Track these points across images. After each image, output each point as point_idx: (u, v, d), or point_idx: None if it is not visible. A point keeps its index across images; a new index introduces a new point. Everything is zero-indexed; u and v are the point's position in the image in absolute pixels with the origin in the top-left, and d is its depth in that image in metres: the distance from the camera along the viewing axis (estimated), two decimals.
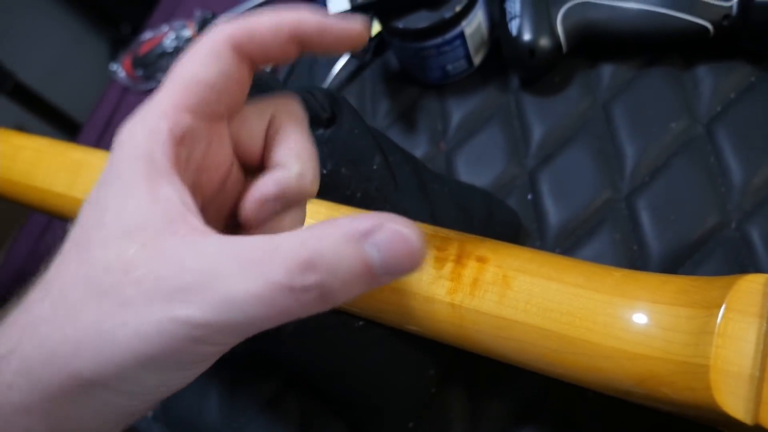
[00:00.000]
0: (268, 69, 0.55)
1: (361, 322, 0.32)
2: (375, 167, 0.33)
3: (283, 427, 0.40)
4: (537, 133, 0.43)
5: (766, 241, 0.35)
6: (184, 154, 0.20)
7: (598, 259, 0.38)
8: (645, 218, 0.38)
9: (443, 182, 0.36)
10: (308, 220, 0.31)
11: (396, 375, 0.33)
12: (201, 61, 0.20)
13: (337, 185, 0.33)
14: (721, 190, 0.37)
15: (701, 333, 0.24)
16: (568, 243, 0.39)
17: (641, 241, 0.38)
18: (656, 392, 0.25)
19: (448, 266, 0.29)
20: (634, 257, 0.38)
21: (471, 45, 0.44)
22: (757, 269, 0.35)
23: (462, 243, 0.30)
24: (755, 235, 0.36)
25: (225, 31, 0.20)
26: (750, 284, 0.24)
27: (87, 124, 0.62)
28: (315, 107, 0.34)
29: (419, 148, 0.46)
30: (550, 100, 0.44)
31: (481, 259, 0.29)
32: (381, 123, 0.48)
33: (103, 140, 0.59)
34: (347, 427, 0.39)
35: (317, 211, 0.32)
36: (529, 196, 0.41)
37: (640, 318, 0.26)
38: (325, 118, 0.34)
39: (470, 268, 0.29)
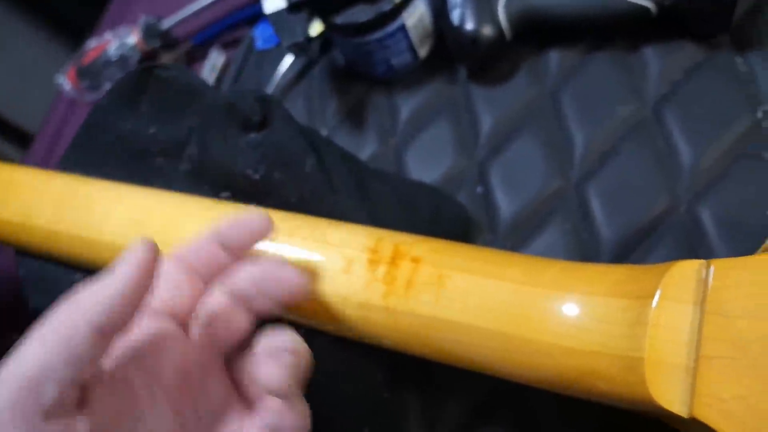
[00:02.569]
0: (216, 72, 0.54)
1: (302, 331, 0.31)
2: (308, 170, 0.32)
3: None
4: (486, 124, 0.42)
5: (717, 223, 0.35)
6: None
7: (550, 250, 0.37)
8: (595, 206, 0.37)
9: (385, 180, 0.35)
10: None
11: (342, 383, 0.32)
12: None
13: (271, 191, 0.32)
14: (670, 172, 0.37)
15: (636, 324, 0.23)
16: (519, 235, 0.39)
17: (592, 230, 0.37)
18: (595, 388, 0.24)
19: (382, 269, 0.28)
20: (585, 247, 0.37)
21: (414, 37, 0.43)
22: (708, 252, 0.34)
23: (396, 244, 0.29)
24: (706, 217, 0.35)
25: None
26: (682, 270, 0.23)
27: (37, 137, 0.61)
28: (245, 110, 0.33)
29: (369, 146, 0.45)
30: (498, 89, 0.43)
31: (416, 260, 0.28)
32: (330, 122, 0.47)
33: (52, 154, 0.58)
34: None
35: None
36: (479, 189, 0.41)
37: (575, 311, 0.25)
38: (257, 122, 0.33)
39: (404, 269, 0.28)
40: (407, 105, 0.45)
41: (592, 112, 0.40)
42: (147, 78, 0.36)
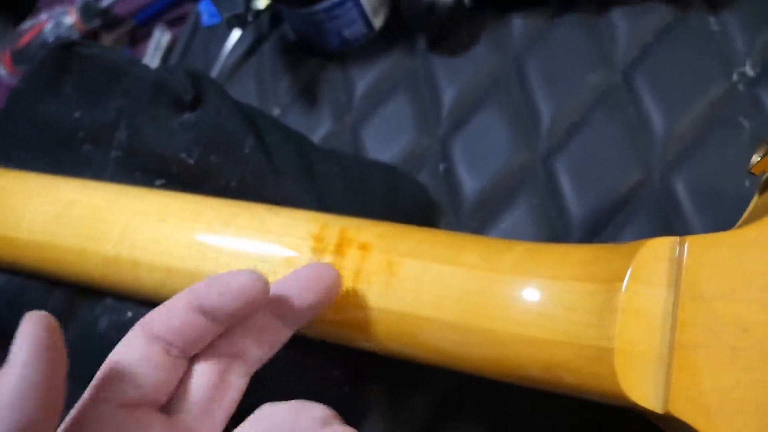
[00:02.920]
0: (161, 51, 0.50)
1: None
2: (247, 151, 0.29)
3: None
4: (447, 96, 0.40)
5: (692, 193, 0.32)
6: None
7: (517, 228, 0.35)
8: (564, 181, 0.35)
9: (335, 160, 0.32)
10: (173, 220, 0.27)
11: (295, 382, 0.29)
12: None
13: (208, 175, 0.29)
14: (642, 142, 0.34)
15: (604, 311, 0.21)
16: (484, 214, 0.36)
17: (561, 206, 0.35)
18: (562, 381, 0.22)
19: (327, 258, 0.25)
20: (554, 224, 0.34)
21: (367, 6, 0.40)
22: (684, 225, 0.32)
23: (343, 229, 0.26)
24: (680, 188, 0.33)
25: None
26: (654, 250, 0.21)
27: None
28: (176, 88, 0.29)
29: (324, 125, 0.42)
30: (459, 59, 0.40)
31: (364, 246, 0.25)
32: (282, 100, 0.44)
33: None
34: None
35: (182, 207, 0.28)
36: (442, 167, 0.38)
37: (537, 297, 0.22)
38: (189, 101, 0.29)
39: (351, 258, 0.25)
40: (363, 79, 0.42)
41: (559, 80, 0.37)
42: (68, 57, 0.32)
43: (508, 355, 0.23)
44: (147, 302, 0.29)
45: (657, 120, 0.34)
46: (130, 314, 0.29)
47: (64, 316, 0.30)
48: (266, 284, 0.21)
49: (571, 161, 0.35)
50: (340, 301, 0.25)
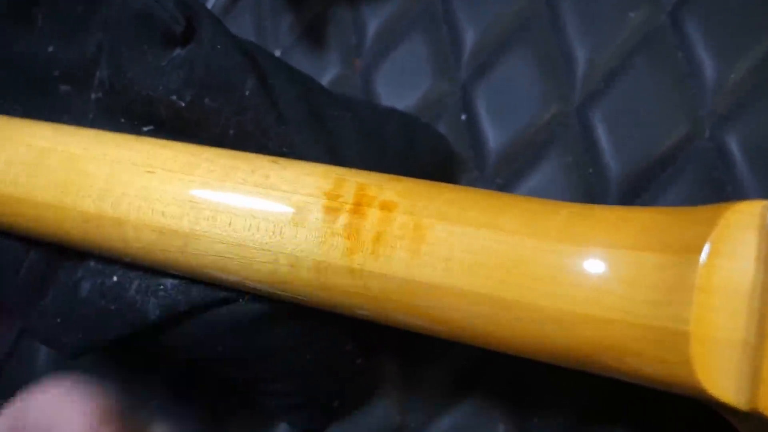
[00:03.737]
0: None
1: (247, 297, 0.25)
2: (247, 93, 0.25)
3: (188, 419, 0.34)
4: (469, 38, 0.35)
5: (747, 151, 0.29)
6: None
7: (548, 187, 0.32)
8: (601, 134, 0.31)
9: (346, 107, 0.28)
10: (163, 172, 0.24)
11: (302, 356, 0.26)
12: None
13: (202, 121, 0.26)
14: (691, 92, 0.30)
15: (676, 288, 0.18)
16: (510, 171, 0.32)
17: (597, 163, 0.31)
18: (620, 364, 0.19)
19: (344, 218, 0.22)
20: (590, 183, 0.31)
21: None
22: (737, 187, 0.29)
23: (361, 185, 0.22)
24: (733, 145, 0.29)
25: None
26: (739, 216, 0.17)
27: None
28: (164, 20, 0.25)
29: (330, 69, 0.38)
30: None
31: (387, 206, 0.22)
32: (284, 41, 0.40)
33: None
34: (261, 413, 0.33)
35: (174, 158, 0.24)
36: (463, 117, 0.34)
37: (593, 269, 0.19)
38: (180, 34, 0.25)
39: (372, 219, 0.21)
40: (375, 18, 0.38)
41: (596, 20, 0.33)
42: None
43: (553, 333, 0.20)
44: (135, 265, 0.25)
45: (709, 68, 0.30)
46: (115, 279, 0.26)
47: (42, 280, 0.27)
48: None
49: (609, 112, 0.31)
50: (357, 270, 0.21)
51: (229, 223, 0.22)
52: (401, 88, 0.36)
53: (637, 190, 0.30)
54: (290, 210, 0.22)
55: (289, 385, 0.28)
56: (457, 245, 0.21)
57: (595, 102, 0.32)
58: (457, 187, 0.23)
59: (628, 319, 0.18)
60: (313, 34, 0.39)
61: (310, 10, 0.40)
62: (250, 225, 0.22)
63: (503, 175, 0.33)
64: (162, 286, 0.25)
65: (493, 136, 0.33)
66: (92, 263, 0.26)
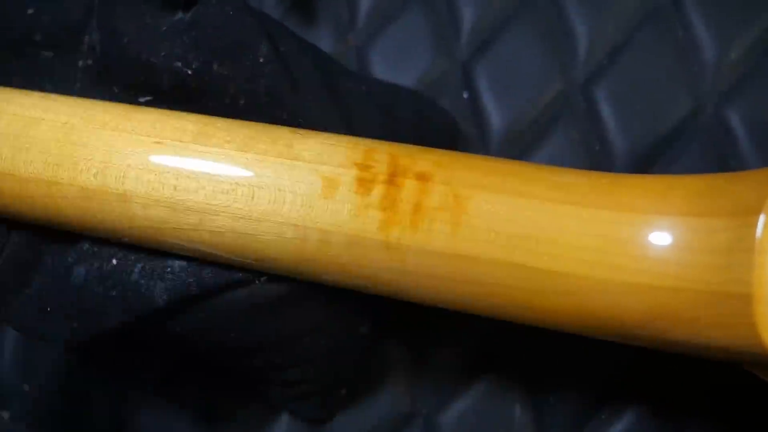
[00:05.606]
0: None
1: (263, 278, 0.23)
2: (262, 60, 0.23)
3: (183, 415, 0.32)
4: (468, 13, 0.35)
5: (748, 126, 0.29)
6: None
7: (555, 164, 0.31)
8: (606, 110, 0.31)
9: (358, 79, 0.27)
10: (173, 143, 0.22)
11: (317, 339, 0.25)
12: None
13: (211, 89, 0.24)
14: (693, 68, 0.31)
15: (734, 250, 0.17)
16: (516, 149, 0.32)
17: (603, 139, 0.31)
18: (672, 333, 0.19)
19: (378, 189, 0.20)
20: (596, 159, 0.31)
21: None
22: (740, 161, 0.29)
23: (394, 155, 0.21)
24: (735, 120, 0.30)
25: None
26: None
27: None
28: None
29: (323, 45, 0.36)
30: None
31: (423, 176, 0.21)
32: (271, 14, 0.38)
33: None
34: (263, 405, 0.31)
35: (182, 128, 0.22)
36: (465, 95, 0.33)
37: (646, 237, 0.19)
38: None
39: (409, 190, 0.20)
40: None
41: None
42: None
43: (602, 305, 0.19)
44: (136, 247, 0.23)
45: (709, 44, 0.31)
46: (114, 262, 0.23)
47: (26, 265, 0.25)
48: None
49: (613, 89, 0.31)
50: (394, 243, 0.20)
51: (252, 197, 0.21)
52: (399, 65, 0.35)
53: (643, 166, 0.30)
54: (319, 181, 0.21)
55: (300, 372, 0.26)
56: (499, 216, 0.20)
57: (599, 78, 0.32)
58: (490, 157, 0.22)
59: (687, 286, 0.18)
60: (302, 9, 0.37)
61: None
62: (275, 198, 0.21)
63: (508, 152, 0.32)
64: (169, 269, 0.23)
65: (496, 114, 0.33)
66: (86, 246, 0.24)
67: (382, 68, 0.35)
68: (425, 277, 0.20)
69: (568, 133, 0.31)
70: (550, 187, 0.20)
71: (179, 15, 0.24)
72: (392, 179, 0.20)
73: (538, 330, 0.22)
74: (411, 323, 0.30)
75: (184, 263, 0.23)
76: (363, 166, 0.21)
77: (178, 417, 0.32)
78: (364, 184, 0.21)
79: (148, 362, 0.31)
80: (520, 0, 0.34)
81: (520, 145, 0.32)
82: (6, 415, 0.34)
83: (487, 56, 0.34)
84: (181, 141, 0.22)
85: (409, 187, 0.20)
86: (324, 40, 0.37)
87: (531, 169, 0.21)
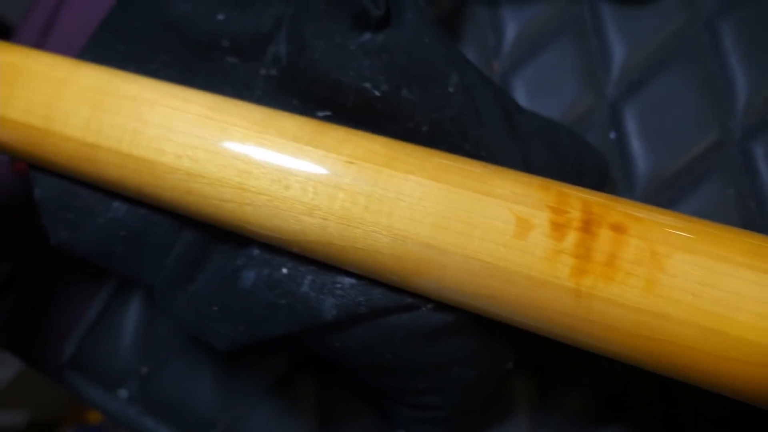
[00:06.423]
0: None
1: (430, 305, 0.23)
2: (451, 90, 0.23)
3: (297, 416, 0.32)
4: (620, 53, 0.34)
5: None
6: None
7: (704, 218, 0.30)
8: (765, 167, 0.30)
9: (529, 114, 0.27)
10: (365, 164, 0.22)
11: (466, 370, 0.25)
12: None
13: (396, 113, 0.24)
14: None
15: None
16: (662, 197, 0.31)
17: (760, 197, 0.30)
18: None
19: (572, 236, 0.20)
20: (751, 217, 0.30)
21: None
22: None
23: (587, 203, 0.21)
24: None
25: None
26: None
27: (19, 30, 0.49)
28: (363, 0, 0.24)
29: None
30: (638, 11, 0.34)
31: (619, 228, 0.20)
32: None
33: (45, 45, 0.47)
34: (380, 418, 0.31)
35: (375, 151, 0.22)
36: (612, 135, 0.33)
37: None
38: (377, 16, 0.24)
39: (604, 240, 0.20)
40: (516, 20, 0.36)
41: (762, 49, 0.32)
42: None
43: None
44: (307, 259, 0.24)
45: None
46: (285, 271, 0.24)
47: (194, 263, 0.25)
48: None
49: None
50: (585, 292, 0.20)
51: (443, 227, 0.21)
52: (543, 97, 0.34)
53: None
54: (513, 220, 0.21)
55: (438, 398, 0.26)
56: (696, 278, 0.19)
57: (759, 133, 0.31)
58: (679, 214, 0.22)
59: None
60: (447, 30, 0.37)
61: (442, 4, 0.38)
62: (465, 231, 0.21)
63: (654, 200, 0.31)
64: (339, 285, 0.23)
65: (643, 159, 0.32)
66: (256, 251, 0.25)
67: (525, 98, 0.35)
68: (610, 328, 0.20)
69: (721, 188, 0.31)
70: (747, 253, 0.20)
71: (366, 36, 0.24)
72: (587, 227, 0.20)
73: (673, 381, 0.21)
74: (542, 362, 0.30)
75: (354, 281, 0.23)
76: (556, 210, 0.21)
77: (291, 418, 0.32)
78: (558, 228, 0.20)
79: (270, 360, 0.32)
80: (678, 43, 0.33)
81: (667, 194, 0.31)
82: (124, 393, 0.35)
83: (637, 97, 0.33)
84: (373, 163, 0.22)
85: (604, 237, 0.20)
86: None
87: (725, 231, 0.21)
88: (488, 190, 0.21)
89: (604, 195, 0.22)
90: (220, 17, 0.26)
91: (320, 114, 0.25)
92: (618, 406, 0.29)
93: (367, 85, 0.24)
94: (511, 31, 0.36)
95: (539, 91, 0.35)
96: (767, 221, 0.30)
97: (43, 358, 0.37)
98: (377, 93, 0.24)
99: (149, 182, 0.24)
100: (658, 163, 0.32)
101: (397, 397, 0.27)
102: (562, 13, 0.36)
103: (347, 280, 0.23)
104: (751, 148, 0.31)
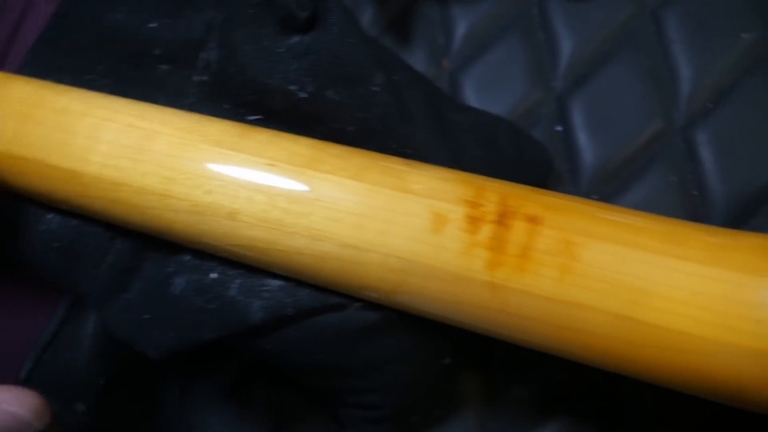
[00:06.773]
0: None
1: (357, 304, 0.23)
2: (376, 89, 0.23)
3: (252, 421, 0.32)
4: (567, 47, 0.34)
5: None
6: None
7: (648, 208, 0.30)
8: (707, 155, 0.30)
9: (463, 110, 0.27)
10: (286, 166, 0.22)
11: (401, 368, 0.25)
12: None
13: (323, 114, 0.24)
14: None
15: None
16: (608, 188, 0.31)
17: (702, 185, 0.30)
18: None
19: (487, 229, 0.20)
20: (694, 205, 0.30)
21: None
22: None
23: (503, 195, 0.21)
24: None
25: None
26: None
27: None
28: (287, 3, 0.24)
29: (416, 68, 0.36)
30: (584, 5, 0.35)
31: (533, 219, 0.20)
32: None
33: (5, 61, 0.47)
34: (330, 419, 0.31)
35: (297, 152, 0.22)
36: (558, 128, 0.33)
37: (765, 300, 0.18)
38: (303, 19, 0.24)
39: (518, 232, 0.20)
40: (466, 17, 0.36)
41: (706, 38, 0.32)
42: None
43: (713, 366, 0.19)
44: (236, 262, 0.24)
45: None
46: (213, 276, 0.24)
47: (127, 272, 0.25)
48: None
49: (718, 133, 0.30)
50: (500, 285, 0.20)
51: (360, 226, 0.21)
52: (492, 93, 0.34)
53: (743, 217, 0.29)
54: (429, 216, 0.21)
55: (377, 398, 0.26)
56: (611, 266, 0.19)
57: (701, 122, 0.31)
58: (599, 203, 0.22)
59: None
60: (398, 30, 0.37)
61: (394, 3, 0.38)
62: (383, 229, 0.21)
63: (600, 191, 0.31)
64: (267, 287, 0.23)
65: (589, 150, 0.32)
66: (187, 257, 0.25)
67: (475, 95, 0.35)
68: (526, 319, 0.20)
69: (665, 177, 0.31)
70: (663, 239, 0.20)
71: (294, 39, 0.24)
72: (502, 219, 0.20)
73: (617, 374, 0.21)
74: (487, 357, 0.30)
75: (281, 283, 0.23)
76: (472, 204, 0.21)
77: (246, 423, 0.33)
78: (473, 222, 0.20)
79: (223, 367, 0.32)
80: (623, 35, 0.33)
81: (613, 185, 0.31)
82: (81, 407, 0.35)
83: (583, 91, 0.33)
84: (294, 165, 0.22)
85: (518, 228, 0.20)
86: (418, 62, 0.37)
87: (643, 219, 0.21)
88: (406, 186, 0.21)
89: (525, 187, 0.22)
90: (153, 25, 0.27)
91: (251, 118, 0.26)
92: (563, 394, 0.29)
93: (294, 87, 0.24)
94: (460, 29, 0.37)
95: (488, 88, 0.35)
96: (710, 208, 0.30)
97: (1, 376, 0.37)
98: (304, 95, 0.24)
99: (78, 193, 0.24)
100: (603, 154, 0.32)
101: (339, 397, 0.27)
102: (510, 9, 0.36)
103: (275, 283, 0.23)
104: (693, 136, 0.31)
